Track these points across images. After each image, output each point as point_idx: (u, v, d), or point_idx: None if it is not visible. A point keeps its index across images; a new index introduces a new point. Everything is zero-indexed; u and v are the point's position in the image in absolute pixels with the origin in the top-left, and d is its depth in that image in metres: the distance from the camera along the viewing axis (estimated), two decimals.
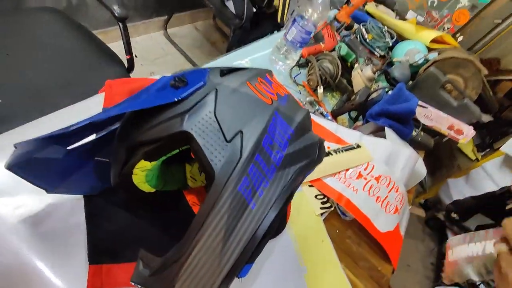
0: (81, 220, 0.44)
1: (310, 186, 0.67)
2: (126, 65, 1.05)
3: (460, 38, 1.55)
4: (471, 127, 0.93)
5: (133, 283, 0.35)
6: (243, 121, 0.34)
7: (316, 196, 0.67)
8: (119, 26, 0.95)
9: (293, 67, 0.89)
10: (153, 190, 0.44)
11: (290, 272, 0.55)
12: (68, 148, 0.39)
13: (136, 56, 1.08)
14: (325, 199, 0.67)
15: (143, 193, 0.43)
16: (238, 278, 0.34)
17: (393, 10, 1.48)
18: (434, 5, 1.59)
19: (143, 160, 0.36)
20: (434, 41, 1.12)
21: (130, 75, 1.06)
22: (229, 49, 1.66)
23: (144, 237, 0.45)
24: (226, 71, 0.38)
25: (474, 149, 2.02)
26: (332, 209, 0.67)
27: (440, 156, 2.14)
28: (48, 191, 0.41)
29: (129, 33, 1.00)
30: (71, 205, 0.45)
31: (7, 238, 0.41)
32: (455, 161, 2.06)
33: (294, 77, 0.89)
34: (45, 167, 0.38)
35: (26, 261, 0.40)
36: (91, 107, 0.55)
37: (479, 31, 1.58)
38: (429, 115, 0.95)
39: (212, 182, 0.32)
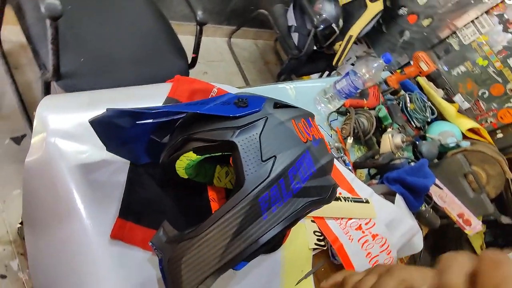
0: (122, 180, 0.53)
1: (312, 221, 0.73)
2: (189, 61, 1.18)
3: (500, 135, 1.57)
4: (479, 222, 0.96)
5: (150, 244, 0.43)
6: (279, 149, 0.42)
7: (314, 232, 0.72)
8: (196, 28, 1.08)
9: (333, 112, 0.97)
10: (186, 177, 0.52)
11: None
12: (137, 122, 0.48)
13: None
14: (322, 238, 0.72)
15: (177, 177, 0.52)
16: (234, 269, 0.41)
17: (442, 89, 1.53)
18: (485, 96, 1.63)
19: (192, 152, 0.45)
20: (470, 130, 1.16)
21: (190, 70, 1.18)
22: (280, 74, 1.77)
23: (166, 211, 0.53)
24: (279, 105, 0.46)
25: (483, 245, 1.97)
26: (325, 248, 0.72)
27: (448, 239, 2.10)
28: (107, 149, 0.50)
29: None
30: (118, 166, 0.54)
31: (64, 174, 0.50)
32: (460, 250, 2.02)
33: (330, 121, 0.96)
34: (113, 130, 0.47)
35: (71, 197, 0.49)
36: (159, 91, 0.65)
37: None
38: (443, 197, 0.99)
39: (240, 188, 0.40)
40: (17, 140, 1.18)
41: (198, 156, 0.45)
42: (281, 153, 0.41)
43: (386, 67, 1.96)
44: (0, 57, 1.23)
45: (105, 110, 0.43)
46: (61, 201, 0.49)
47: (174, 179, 0.52)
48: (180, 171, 0.50)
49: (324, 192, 0.46)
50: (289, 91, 0.95)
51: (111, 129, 0.46)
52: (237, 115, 0.42)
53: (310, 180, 0.44)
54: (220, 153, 0.45)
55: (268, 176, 0.40)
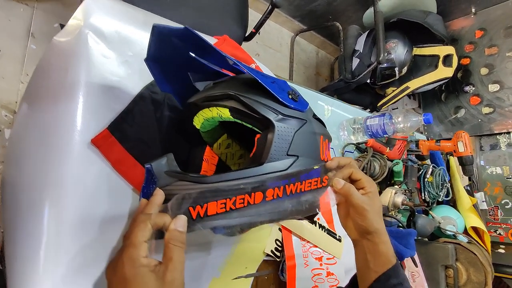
0: (128, 99, 0.53)
1: (279, 229, 0.72)
2: (246, 34, 1.17)
3: (501, 251, 1.50)
4: None
5: (148, 166, 0.43)
6: (303, 153, 0.44)
7: (276, 240, 0.71)
8: (268, 8, 1.07)
9: (351, 144, 0.94)
10: (198, 127, 0.52)
11: (207, 265, 0.60)
12: (191, 53, 0.44)
13: (259, 33, 1.19)
14: (280, 249, 0.71)
15: (190, 122, 0.51)
16: (212, 231, 0.42)
17: (469, 179, 1.45)
18: (507, 207, 1.56)
19: (228, 110, 0.45)
20: (474, 229, 1.10)
21: (243, 43, 1.17)
22: (324, 89, 1.74)
23: (151, 146, 0.53)
24: (316, 118, 0.49)
25: None
26: (278, 260, 0.71)
27: None
28: (146, 58, 0.46)
29: (270, 17, 1.12)
30: (131, 85, 0.54)
31: (80, 66, 0.49)
32: None
33: (345, 152, 0.94)
34: (164, 46, 0.44)
35: (75, 89, 0.48)
36: None
37: None
38: (415, 276, 0.95)
39: (259, 165, 0.41)
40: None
41: (230, 116, 0.45)
42: (303, 157, 0.44)
43: (424, 129, 1.89)
44: None
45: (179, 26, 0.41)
46: (64, 88, 0.49)
47: (185, 123, 0.52)
48: (200, 119, 0.50)
49: (310, 209, 0.46)
50: (325, 111, 0.93)
51: (164, 44, 0.44)
52: (286, 103, 0.44)
53: (309, 193, 0.45)
54: (250, 126, 0.45)
55: (286, 169, 0.42)
